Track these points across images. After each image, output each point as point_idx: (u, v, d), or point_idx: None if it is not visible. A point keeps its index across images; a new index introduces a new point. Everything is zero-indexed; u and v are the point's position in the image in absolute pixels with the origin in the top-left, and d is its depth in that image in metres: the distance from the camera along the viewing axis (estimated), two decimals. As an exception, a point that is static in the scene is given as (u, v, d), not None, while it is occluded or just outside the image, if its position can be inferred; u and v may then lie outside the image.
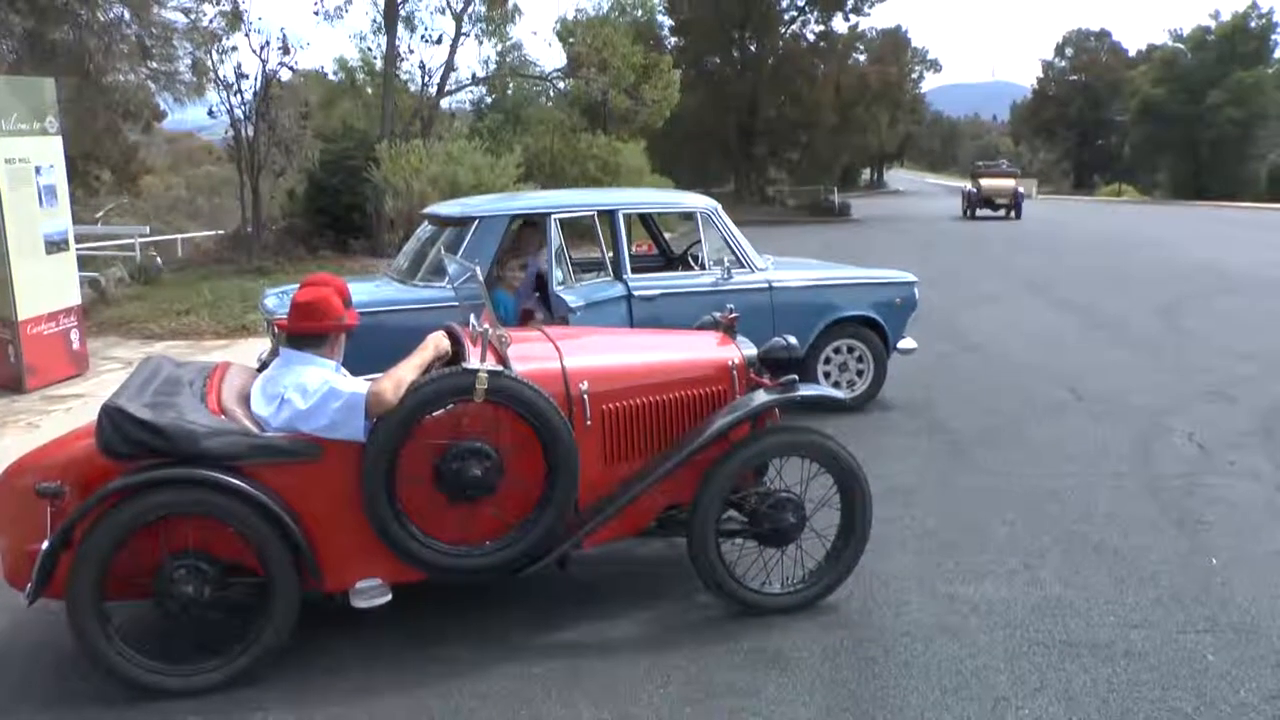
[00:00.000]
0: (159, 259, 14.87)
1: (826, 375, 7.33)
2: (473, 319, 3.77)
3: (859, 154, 59.17)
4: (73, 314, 8.70)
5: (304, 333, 3.66)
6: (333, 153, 21.41)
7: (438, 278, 6.46)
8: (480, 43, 24.76)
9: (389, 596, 3.64)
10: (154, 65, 14.39)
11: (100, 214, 30.91)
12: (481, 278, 6.32)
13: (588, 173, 23.87)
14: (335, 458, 3.53)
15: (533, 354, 3.93)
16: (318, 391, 3.50)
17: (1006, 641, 3.74)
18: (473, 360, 3.56)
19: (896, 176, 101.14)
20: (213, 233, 21.19)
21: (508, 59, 24.96)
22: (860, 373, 7.39)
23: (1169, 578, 4.30)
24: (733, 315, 4.45)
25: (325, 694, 3.49)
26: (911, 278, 7.59)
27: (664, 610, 4.04)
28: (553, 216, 6.31)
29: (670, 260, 8.07)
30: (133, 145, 27.26)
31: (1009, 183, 34.86)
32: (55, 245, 8.48)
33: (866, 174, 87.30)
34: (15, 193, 7.99)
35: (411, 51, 23.50)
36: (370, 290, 6.64)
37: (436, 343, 3.77)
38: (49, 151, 8.41)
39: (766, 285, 7.06)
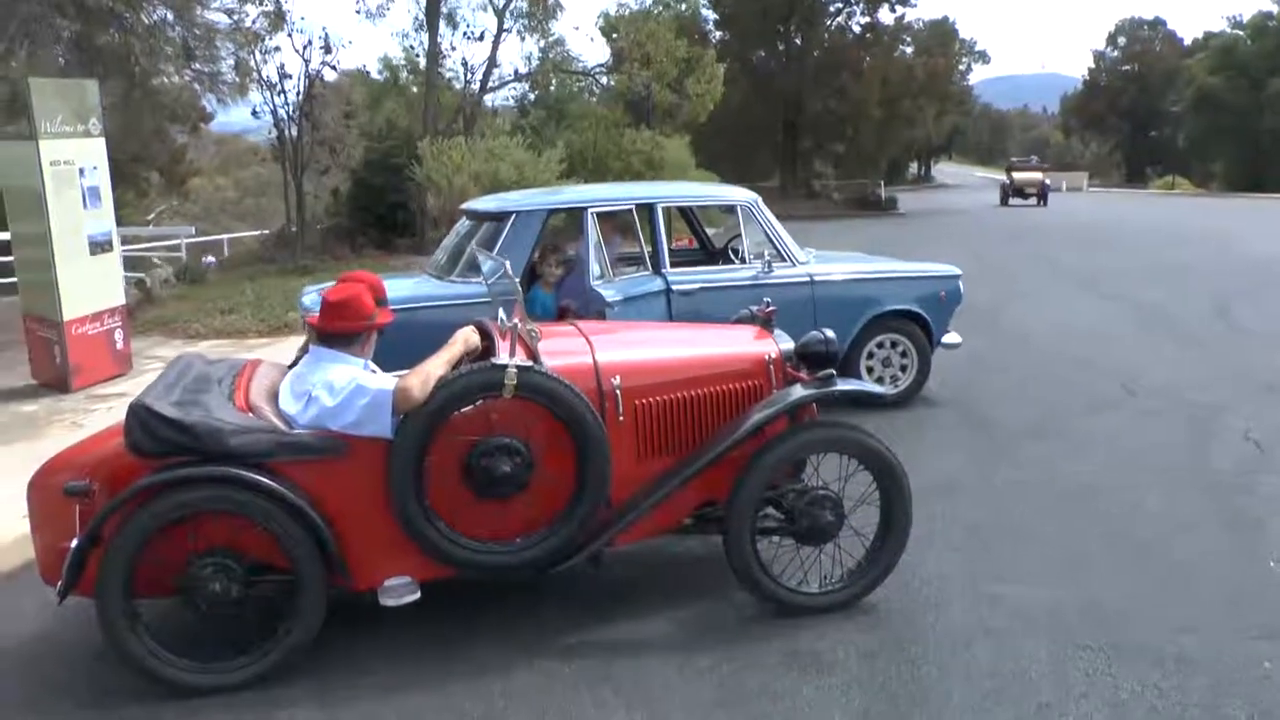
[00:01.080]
0: (211, 258, 15.02)
1: (869, 370, 7.20)
2: (502, 313, 3.71)
3: (906, 147, 58.58)
4: (117, 314, 8.79)
5: (335, 331, 3.63)
6: (377, 151, 21.60)
7: (475, 273, 6.41)
8: (522, 39, 24.83)
9: (417, 594, 3.60)
10: (197, 67, 14.54)
11: (152, 215, 31.50)
12: (513, 272, 6.33)
13: (631, 168, 23.72)
14: (363, 454, 3.50)
15: (564, 349, 3.87)
16: (345, 389, 3.47)
17: (1051, 644, 3.62)
18: (502, 355, 3.51)
19: (944, 170, 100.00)
20: (258, 232, 21.44)
21: (550, 55, 24.94)
22: (904, 368, 7.24)
23: (1223, 580, 4.14)
24: (770, 309, 4.36)
25: (353, 692, 3.46)
26: (956, 271, 7.43)
27: (698, 609, 3.96)
28: (590, 211, 6.24)
29: (711, 254, 7.97)
30: (180, 147, 27.68)
31: (1037, 175, 42.19)
32: (99, 246, 8.57)
33: (914, 168, 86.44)
34: (60, 194, 8.08)
35: (454, 49, 23.55)
36: (409, 286, 6.62)
37: (466, 338, 3.73)
38: (93, 153, 8.50)
39: (808, 279, 6.94)
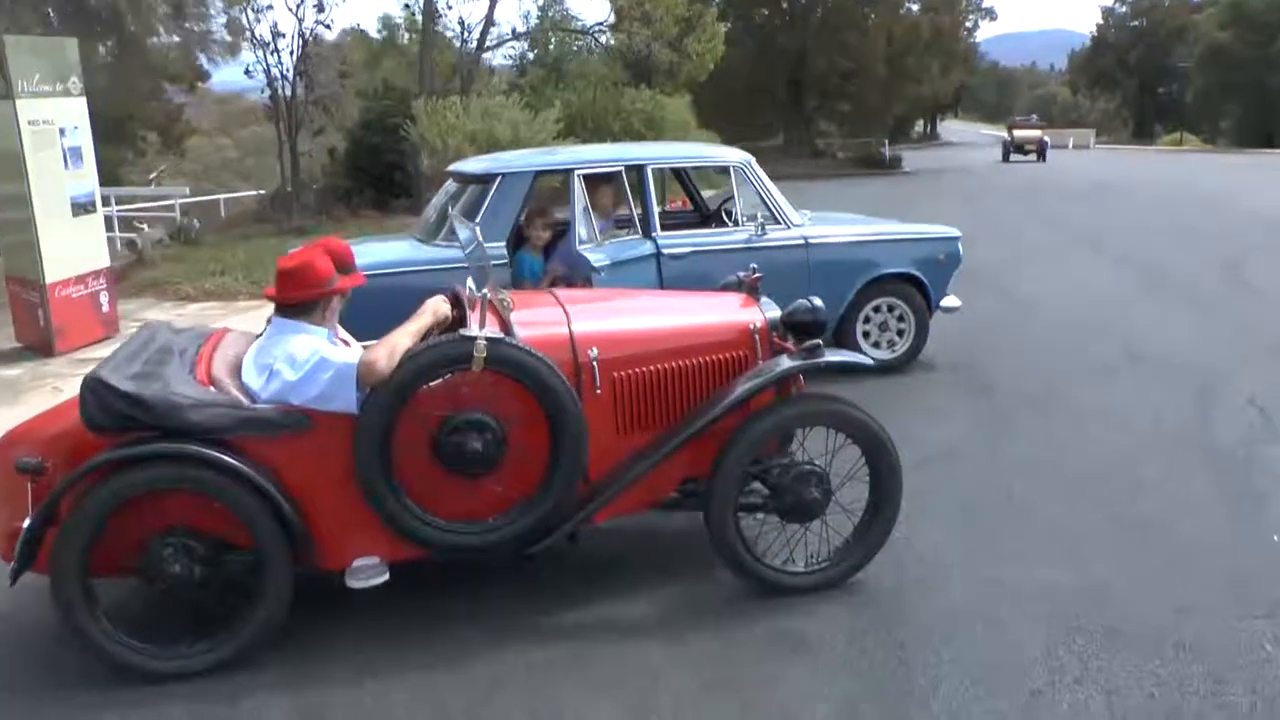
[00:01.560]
0: (194, 221, 14.81)
1: (866, 335, 7.03)
2: (470, 282, 3.54)
3: (912, 105, 57.86)
4: (102, 276, 8.64)
5: (291, 300, 3.46)
6: (374, 111, 21.27)
7: (458, 237, 6.25)
8: (521, -4, 24.38)
9: (385, 576, 3.46)
10: (187, 25, 14.25)
11: (154, 175, 31.23)
12: (499, 236, 6.14)
13: (631, 128, 23.37)
14: (328, 430, 3.35)
15: (538, 319, 3.70)
16: (308, 361, 3.31)
17: (1046, 628, 3.47)
18: (473, 327, 3.35)
19: (950, 128, 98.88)
20: (255, 193, 21.19)
21: (549, 13, 24.52)
22: (901, 332, 7.08)
23: (1225, 558, 3.99)
24: (756, 275, 4.18)
25: (325, 677, 3.33)
26: (955, 232, 7.23)
27: (681, 589, 3.82)
28: (576, 172, 6.05)
29: (706, 217, 7.77)
30: (177, 107, 27.36)
31: (1035, 133, 44.65)
32: (82, 208, 8.40)
33: (920, 126, 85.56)
34: (39, 155, 7.91)
35: (450, 7, 23.16)
36: (396, 250, 6.44)
37: (435, 308, 3.56)
38: (73, 113, 8.31)
39: (802, 241, 6.76)
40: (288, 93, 17.00)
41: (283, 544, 3.31)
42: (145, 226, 13.65)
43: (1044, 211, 19.30)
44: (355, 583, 3.44)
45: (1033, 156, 42.72)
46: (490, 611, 3.70)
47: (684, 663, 3.33)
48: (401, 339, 3.36)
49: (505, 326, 3.49)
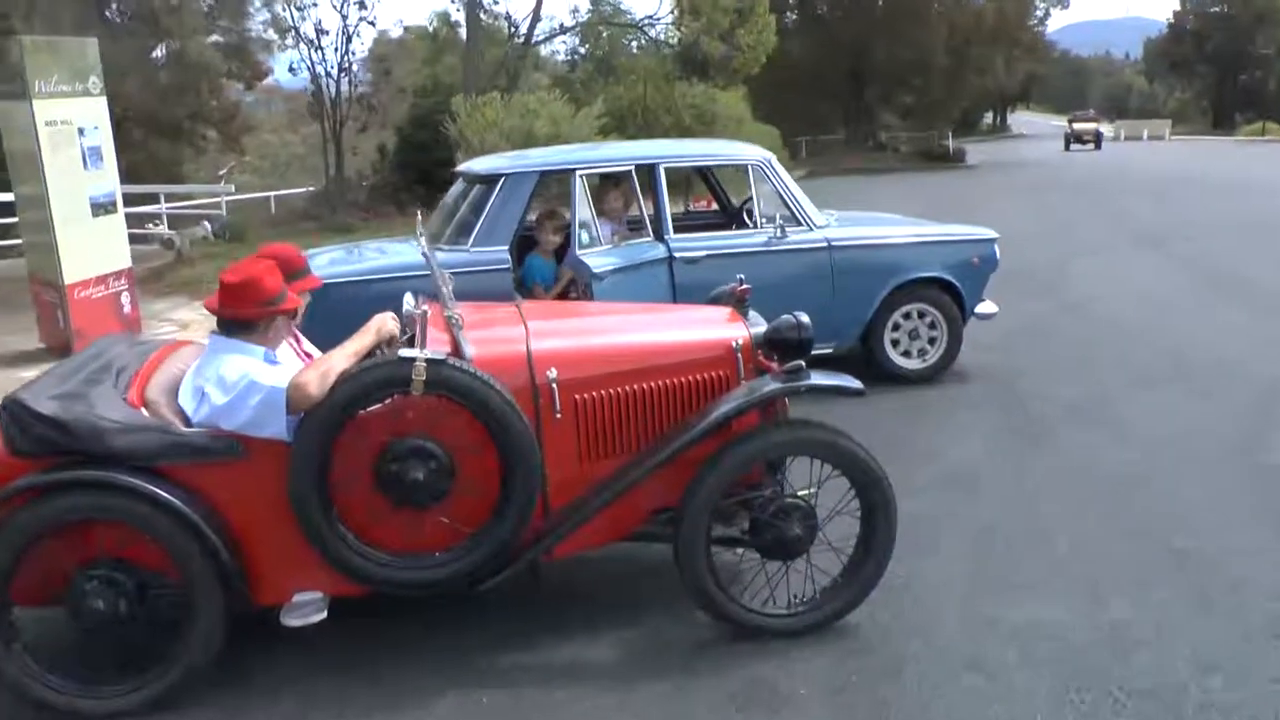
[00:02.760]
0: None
1: (895, 344, 6.64)
2: (408, 297, 3.27)
3: (979, 97, 56.66)
4: (123, 277, 8.57)
5: (230, 318, 3.23)
6: (423, 108, 21.23)
7: (462, 240, 6.01)
8: (570, -9, 24.19)
9: (323, 614, 3.21)
10: (224, 23, 14.25)
11: (223, 171, 31.65)
12: (509, 236, 5.87)
13: (682, 123, 23.03)
14: (262, 457, 3.11)
15: (494, 337, 3.42)
16: (236, 385, 3.07)
17: (1051, 680, 3.11)
18: (413, 347, 3.08)
19: (1021, 119, 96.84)
20: (303, 190, 21.27)
21: (599, 6, 24.23)
22: (933, 341, 6.66)
23: (1268, 603, 3.57)
24: (744, 288, 3.86)
25: (267, 709, 3.11)
26: (992, 234, 6.79)
27: (648, 629, 3.51)
28: (577, 172, 5.75)
29: (731, 218, 7.44)
30: (234, 104, 27.62)
31: (1092, 126, 50.85)
32: (102, 208, 8.33)
33: (989, 117, 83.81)
34: (57, 155, 7.85)
35: (496, 2, 22.99)
36: (404, 254, 6.18)
37: (379, 326, 3.30)
38: (93, 113, 8.23)
39: (825, 244, 6.39)
40: (332, 89, 16.93)
41: (212, 578, 3.08)
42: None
43: (1107, 207, 18.56)
44: (291, 620, 3.20)
45: (1090, 145, 48.42)
46: (438, 650, 3.43)
47: (643, 712, 3.03)
48: (338, 359, 3.11)
49: (455, 345, 3.21)
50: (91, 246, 8.21)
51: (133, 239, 14.04)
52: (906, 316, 6.61)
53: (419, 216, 5.72)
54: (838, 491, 3.44)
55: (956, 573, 3.88)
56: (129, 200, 17.68)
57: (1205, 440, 5.32)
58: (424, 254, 3.20)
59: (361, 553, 3.15)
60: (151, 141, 23.73)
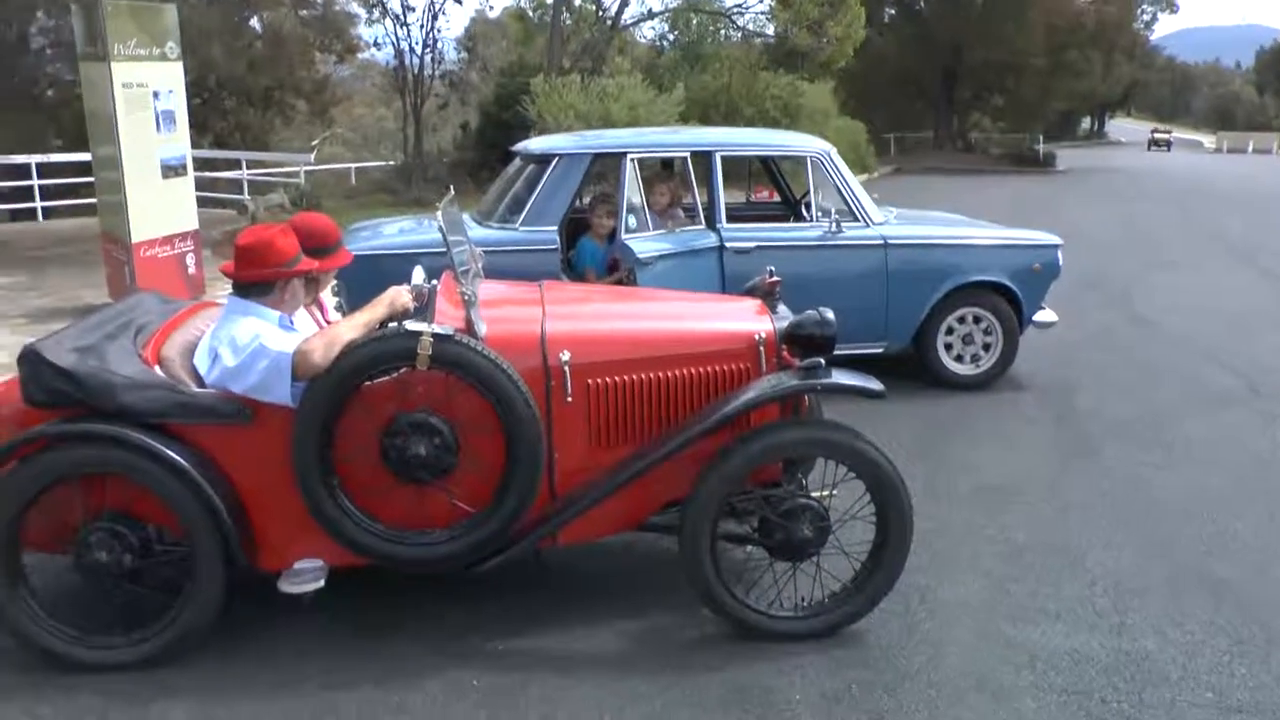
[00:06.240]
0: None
1: (948, 348, 6.45)
2: (417, 271, 3.24)
3: (1077, 101, 55.06)
4: (189, 239, 8.75)
5: (246, 280, 3.23)
6: (508, 88, 21.32)
7: (512, 218, 5.98)
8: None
9: (320, 584, 3.21)
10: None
11: (316, 141, 32.27)
12: (560, 218, 5.81)
13: (765, 113, 22.74)
14: (270, 422, 3.12)
15: (509, 316, 3.37)
16: (247, 347, 3.07)
17: (1061, 709, 2.97)
18: (422, 320, 3.05)
19: (1120, 127, 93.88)
20: (382, 164, 21.55)
21: (690, -8, 24.04)
22: (987, 346, 6.46)
23: (1306, 644, 3.37)
24: (774, 280, 3.75)
25: (246, 685, 3.11)
26: (1055, 240, 6.56)
27: (647, 624, 3.44)
28: (629, 156, 5.68)
29: (791, 211, 7.30)
30: (324, 76, 28.07)
31: (1166, 135, 64.73)
32: (172, 170, 8.50)
33: (1087, 123, 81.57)
34: (131, 116, 8.02)
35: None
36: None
37: (393, 299, 3.26)
38: (169, 77, 8.40)
39: (881, 241, 6.22)
40: (415, 65, 17.08)
41: (214, 538, 3.10)
42: (278, 191, 13.71)
43: (1198, 218, 17.90)
44: (289, 587, 3.20)
45: (1165, 149, 60.12)
46: (436, 627, 3.41)
47: (622, 711, 2.97)
48: (345, 329, 3.09)
49: (467, 322, 3.17)
50: (160, 207, 8.39)
51: (210, 202, 14.36)
52: (961, 320, 6.42)
53: (450, 192, 5.70)
54: (857, 496, 3.33)
55: (977, 589, 3.74)
56: (213, 165, 18.25)
57: (1266, 469, 5.06)
58: (440, 229, 3.16)
59: (361, 524, 3.14)
60: (240, 110, 24.29)
